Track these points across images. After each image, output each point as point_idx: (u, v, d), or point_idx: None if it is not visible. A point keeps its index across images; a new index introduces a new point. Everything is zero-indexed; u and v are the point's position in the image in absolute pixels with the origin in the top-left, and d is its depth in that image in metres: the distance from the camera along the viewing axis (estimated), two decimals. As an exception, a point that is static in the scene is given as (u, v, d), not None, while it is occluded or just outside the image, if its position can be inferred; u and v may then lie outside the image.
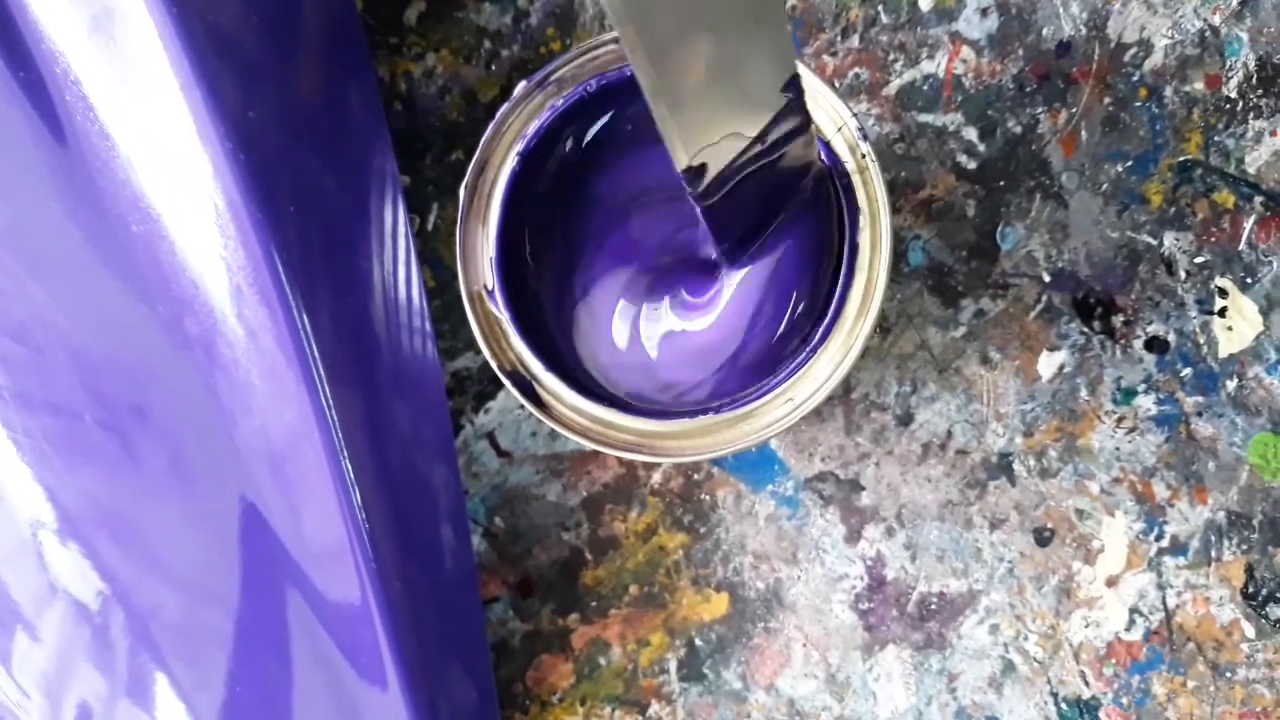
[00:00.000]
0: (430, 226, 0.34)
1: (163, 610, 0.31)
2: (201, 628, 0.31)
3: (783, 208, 0.25)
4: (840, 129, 0.25)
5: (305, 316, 0.27)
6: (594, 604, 0.34)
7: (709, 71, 0.19)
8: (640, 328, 0.26)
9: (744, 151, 0.22)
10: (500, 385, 0.34)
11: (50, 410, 0.31)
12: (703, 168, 0.22)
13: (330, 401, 0.28)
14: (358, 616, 0.29)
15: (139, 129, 0.26)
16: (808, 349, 0.25)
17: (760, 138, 0.22)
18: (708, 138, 0.21)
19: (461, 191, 0.26)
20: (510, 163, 0.26)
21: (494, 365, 0.26)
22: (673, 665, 0.34)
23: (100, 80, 0.26)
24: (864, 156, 0.25)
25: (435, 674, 0.31)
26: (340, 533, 0.28)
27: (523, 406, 0.33)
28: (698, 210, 0.23)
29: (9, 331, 0.30)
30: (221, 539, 0.30)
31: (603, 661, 0.34)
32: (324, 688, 0.31)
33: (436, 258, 0.34)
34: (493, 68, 0.34)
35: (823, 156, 0.25)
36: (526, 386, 0.26)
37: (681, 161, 0.21)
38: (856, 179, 0.25)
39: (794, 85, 0.22)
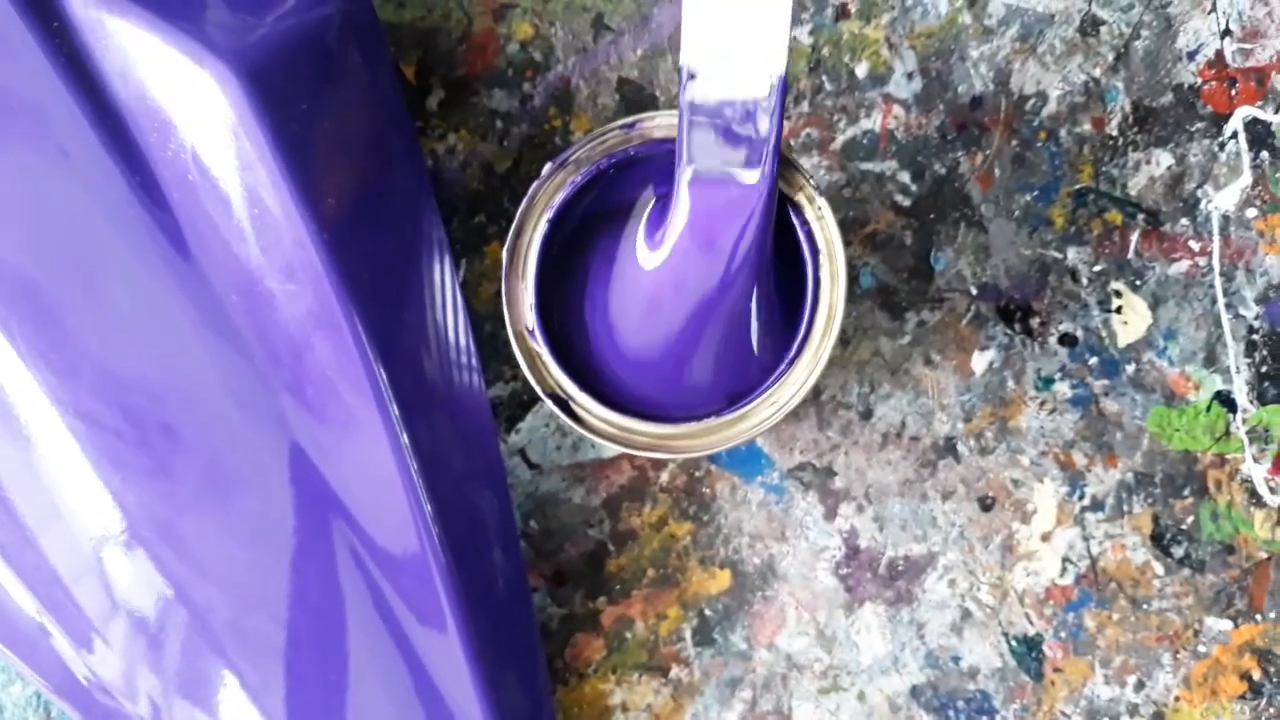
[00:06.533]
0: (461, 279, 0.40)
1: (241, 625, 0.34)
2: (310, 666, 0.34)
3: None
4: (801, 188, 0.32)
5: (381, 368, 0.33)
6: (618, 587, 0.39)
7: None
8: (647, 349, 0.33)
9: None
10: (528, 409, 0.40)
11: (140, 446, 0.34)
12: None
13: (407, 443, 0.33)
14: (439, 629, 0.33)
15: (241, 213, 0.32)
16: (786, 361, 0.32)
17: None
18: None
19: (504, 253, 0.32)
20: (541, 228, 0.32)
21: (538, 389, 0.32)
22: (688, 634, 0.40)
23: (209, 185, 0.32)
24: (819, 208, 0.32)
25: (494, 685, 0.34)
26: (421, 558, 0.33)
27: (549, 424, 0.39)
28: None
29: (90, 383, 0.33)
30: (321, 574, 0.34)
31: (628, 635, 0.39)
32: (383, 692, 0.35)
33: (466, 304, 0.40)
34: (505, 143, 0.40)
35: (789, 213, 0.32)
36: (564, 404, 0.33)
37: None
38: (815, 226, 0.32)
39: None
